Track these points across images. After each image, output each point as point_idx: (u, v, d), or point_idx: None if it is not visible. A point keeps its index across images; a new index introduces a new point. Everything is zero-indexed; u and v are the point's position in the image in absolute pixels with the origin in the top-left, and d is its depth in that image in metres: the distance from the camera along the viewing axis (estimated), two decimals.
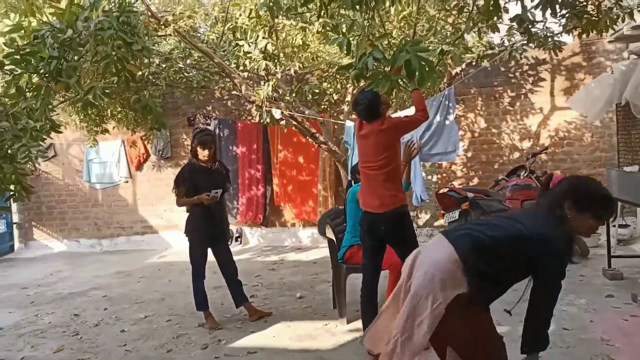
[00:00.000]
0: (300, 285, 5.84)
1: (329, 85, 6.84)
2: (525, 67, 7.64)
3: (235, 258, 7.72)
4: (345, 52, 3.01)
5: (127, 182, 9.14)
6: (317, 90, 6.27)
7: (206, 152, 4.53)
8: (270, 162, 8.39)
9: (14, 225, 9.56)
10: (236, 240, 8.71)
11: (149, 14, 4.33)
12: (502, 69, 7.66)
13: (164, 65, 5.99)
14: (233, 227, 8.80)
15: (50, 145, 9.25)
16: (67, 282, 6.88)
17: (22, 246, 9.60)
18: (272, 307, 5.08)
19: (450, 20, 4.96)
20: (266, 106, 5.17)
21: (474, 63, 6.10)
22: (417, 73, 2.83)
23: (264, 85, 5.14)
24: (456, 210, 5.51)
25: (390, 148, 3.55)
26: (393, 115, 4.19)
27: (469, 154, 7.92)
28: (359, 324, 4.34)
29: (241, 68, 5.32)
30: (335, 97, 7.27)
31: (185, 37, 4.97)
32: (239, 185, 8.58)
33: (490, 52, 5.75)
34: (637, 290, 4.40)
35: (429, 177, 8.07)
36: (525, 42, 4.90)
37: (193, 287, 4.66)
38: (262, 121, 5.50)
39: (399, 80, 2.97)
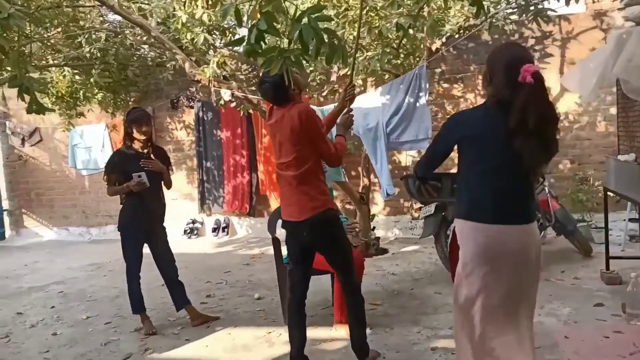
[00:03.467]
0: (266, 284, 5.37)
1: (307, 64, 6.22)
2: (531, 41, 6.88)
3: (217, 250, 7.55)
4: (236, 22, 2.48)
5: None
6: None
7: (143, 129, 4.07)
8: (254, 147, 7.90)
9: (5, 212, 9.42)
10: (223, 231, 8.31)
11: None
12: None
13: (113, 41, 5.51)
14: (221, 217, 8.41)
15: (36, 129, 9.02)
16: (36, 274, 6.61)
17: (13, 234, 9.46)
18: (225, 310, 4.66)
19: None
20: (214, 86, 4.64)
21: (457, 35, 5.36)
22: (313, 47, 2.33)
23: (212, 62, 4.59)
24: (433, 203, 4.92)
25: (302, 141, 2.96)
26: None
27: None
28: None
29: (186, 42, 4.75)
30: (318, 77, 6.65)
31: (114, 6, 4.43)
32: (225, 172, 8.15)
33: (472, 22, 5.04)
34: (634, 297, 3.74)
35: None
36: (508, 11, 4.19)
37: (128, 288, 4.26)
38: (214, 103, 4.99)
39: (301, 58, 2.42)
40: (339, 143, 3.16)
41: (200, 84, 4.93)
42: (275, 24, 2.40)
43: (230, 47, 4.81)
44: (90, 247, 8.29)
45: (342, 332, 3.80)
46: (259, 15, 2.37)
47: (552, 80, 6.84)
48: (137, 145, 4.13)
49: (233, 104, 5.07)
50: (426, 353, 3.43)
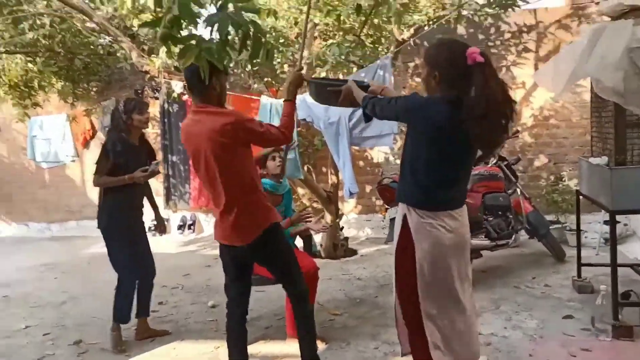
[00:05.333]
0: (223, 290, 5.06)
1: (280, 49, 5.65)
2: (507, 35, 6.62)
3: (181, 249, 7.23)
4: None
5: (73, 161, 8.38)
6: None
7: (145, 115, 3.76)
8: None
9: None
10: (189, 228, 7.99)
11: None
12: (481, 36, 6.65)
13: (59, 27, 5.10)
14: (187, 214, 8.09)
15: None
16: None
17: None
18: (175, 320, 4.35)
19: None
20: (164, 77, 4.29)
21: (425, 26, 5.03)
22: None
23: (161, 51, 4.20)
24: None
25: (230, 157, 2.60)
26: None
27: None
28: (256, 347, 3.61)
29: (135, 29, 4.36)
30: (287, 68, 6.27)
31: None
32: (190, 167, 7.79)
33: (442, 12, 4.73)
34: (603, 310, 3.51)
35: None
36: (480, 2, 3.91)
37: (116, 300, 3.77)
38: (164, 97, 4.64)
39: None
40: (287, 114, 2.73)
41: (149, 76, 4.56)
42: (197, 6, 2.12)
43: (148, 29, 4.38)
44: (49, 244, 7.91)
45: (295, 346, 3.52)
46: None
47: (527, 75, 6.62)
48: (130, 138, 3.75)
49: (185, 97, 4.72)
50: None
